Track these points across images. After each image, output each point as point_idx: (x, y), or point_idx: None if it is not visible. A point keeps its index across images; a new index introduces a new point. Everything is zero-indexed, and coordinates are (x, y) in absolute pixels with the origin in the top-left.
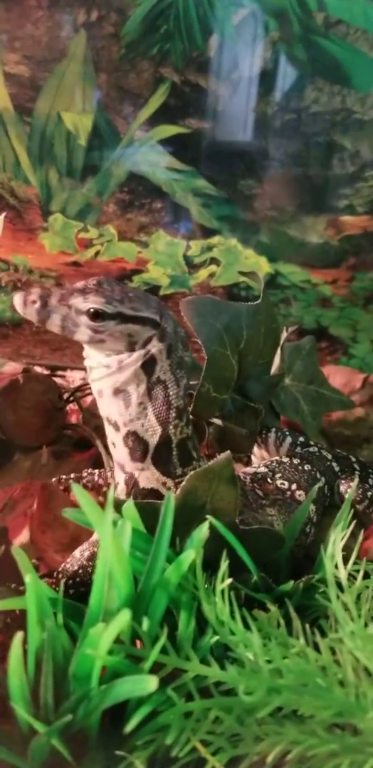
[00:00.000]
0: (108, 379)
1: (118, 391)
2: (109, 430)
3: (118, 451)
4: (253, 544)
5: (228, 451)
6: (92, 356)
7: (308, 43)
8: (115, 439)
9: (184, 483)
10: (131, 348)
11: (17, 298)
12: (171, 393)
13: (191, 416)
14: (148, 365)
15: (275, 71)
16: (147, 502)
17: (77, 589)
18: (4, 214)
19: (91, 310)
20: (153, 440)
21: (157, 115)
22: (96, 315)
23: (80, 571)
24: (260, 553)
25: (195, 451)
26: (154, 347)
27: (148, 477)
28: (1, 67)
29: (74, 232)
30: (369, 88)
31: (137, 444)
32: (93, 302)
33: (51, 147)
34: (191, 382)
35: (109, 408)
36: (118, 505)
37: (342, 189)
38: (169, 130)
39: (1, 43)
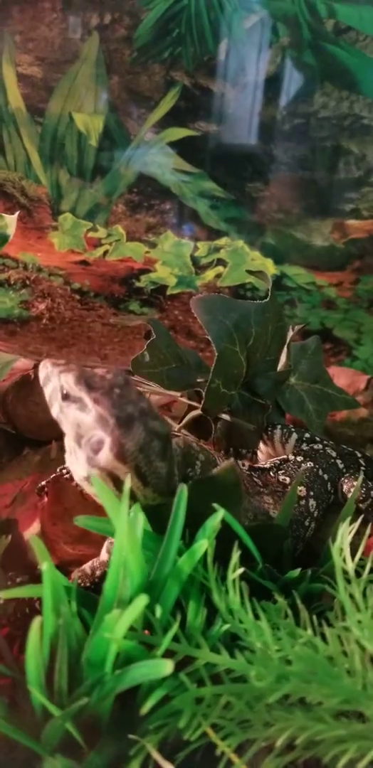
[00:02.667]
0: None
1: (105, 477)
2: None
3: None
4: (256, 539)
5: (231, 459)
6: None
7: (317, 49)
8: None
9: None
10: (78, 441)
11: (42, 363)
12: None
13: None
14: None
15: (285, 76)
16: (153, 505)
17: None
18: (17, 213)
19: (64, 389)
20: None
21: (168, 117)
22: (65, 395)
23: (92, 587)
24: (263, 548)
25: (191, 461)
26: (108, 463)
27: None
28: (15, 67)
29: (83, 232)
30: None
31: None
32: (65, 380)
33: (62, 147)
34: (199, 380)
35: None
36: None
37: (348, 193)
38: (178, 132)
39: (15, 44)
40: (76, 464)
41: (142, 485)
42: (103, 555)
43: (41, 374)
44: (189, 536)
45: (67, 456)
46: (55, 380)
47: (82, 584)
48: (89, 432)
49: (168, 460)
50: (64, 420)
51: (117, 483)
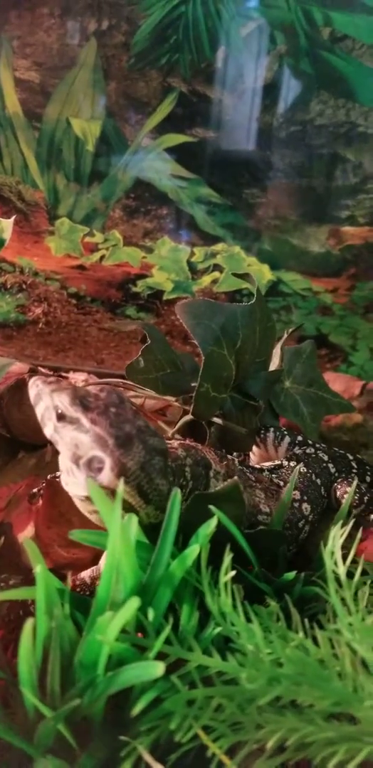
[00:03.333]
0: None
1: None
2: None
3: None
4: (252, 543)
5: (235, 478)
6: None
7: (314, 56)
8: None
9: (188, 503)
10: (76, 462)
11: (32, 380)
12: (148, 491)
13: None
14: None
15: (281, 84)
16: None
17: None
18: (13, 217)
19: (59, 409)
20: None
21: (165, 123)
22: (60, 416)
23: (90, 595)
24: (259, 552)
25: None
26: (110, 483)
27: None
28: (12, 72)
29: (80, 236)
30: None
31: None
32: (60, 401)
33: (59, 152)
34: (193, 384)
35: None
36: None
37: (344, 200)
38: (175, 138)
39: (13, 49)
40: (74, 485)
41: (144, 503)
42: (102, 565)
43: (31, 392)
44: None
45: (62, 476)
46: (47, 399)
47: (81, 592)
48: (88, 452)
49: (168, 477)
50: (59, 440)
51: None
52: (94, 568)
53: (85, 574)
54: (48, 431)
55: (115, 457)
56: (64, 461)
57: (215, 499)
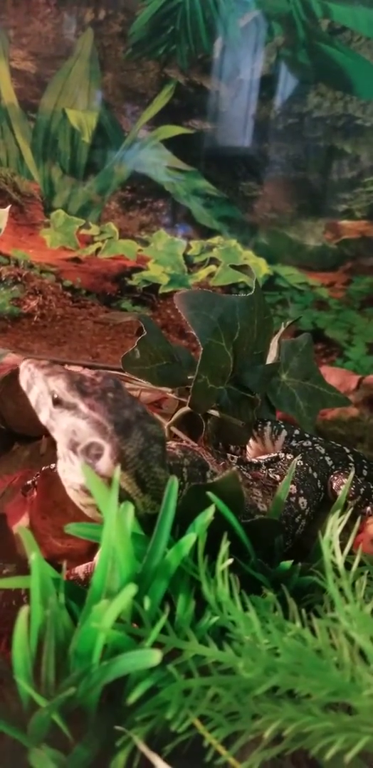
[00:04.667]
0: (76, 477)
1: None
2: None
3: None
4: (251, 534)
5: (235, 468)
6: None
7: (312, 48)
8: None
9: (184, 494)
10: (73, 449)
11: (23, 364)
12: (146, 480)
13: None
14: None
15: (279, 76)
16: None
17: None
18: (8, 207)
19: (55, 394)
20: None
21: (162, 115)
22: (57, 401)
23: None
24: (256, 542)
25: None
26: (108, 470)
27: None
28: (8, 62)
29: (76, 229)
30: (371, 94)
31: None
32: (56, 385)
33: (55, 143)
34: (189, 377)
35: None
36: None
37: (341, 194)
38: (172, 130)
39: (9, 39)
40: (71, 472)
41: (142, 492)
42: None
43: (23, 377)
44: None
45: (59, 464)
46: (41, 384)
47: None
48: (87, 439)
49: (166, 466)
50: (55, 426)
51: None
52: (88, 564)
53: (80, 570)
54: (43, 417)
55: (114, 444)
56: (60, 448)
57: (213, 490)
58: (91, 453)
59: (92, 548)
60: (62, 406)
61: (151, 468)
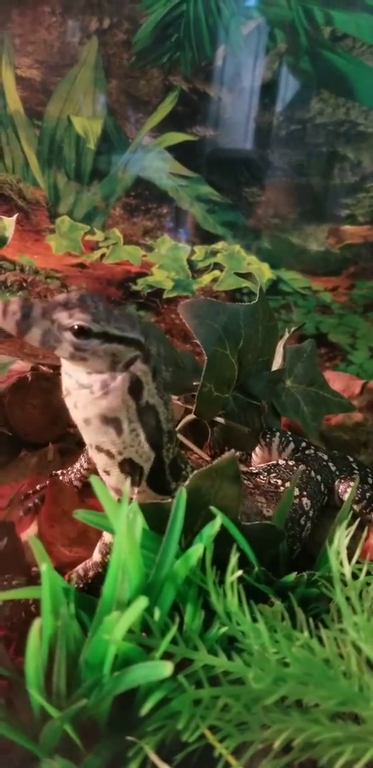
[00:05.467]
0: (94, 407)
1: (107, 420)
2: (100, 458)
3: (113, 477)
4: (254, 539)
5: (233, 450)
6: (72, 375)
7: (314, 55)
8: (109, 467)
9: (188, 482)
10: (113, 368)
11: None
12: (162, 417)
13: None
14: (135, 390)
15: (282, 82)
16: (151, 504)
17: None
18: (15, 216)
19: (76, 326)
20: (147, 465)
21: (166, 121)
22: (81, 332)
23: (85, 588)
24: (261, 548)
25: (183, 463)
26: (139, 370)
27: (145, 498)
28: (14, 70)
29: (81, 235)
30: None
31: (134, 470)
32: (79, 319)
33: (60, 150)
34: (195, 383)
35: (99, 437)
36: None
37: (344, 199)
38: (176, 137)
39: (14, 47)
40: (95, 376)
41: (153, 380)
42: (96, 556)
43: (8, 324)
44: (187, 527)
45: (71, 397)
46: (43, 323)
47: (76, 585)
48: (127, 355)
49: (168, 367)
50: (86, 355)
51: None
52: (87, 560)
53: (80, 567)
54: (64, 351)
55: (146, 350)
56: (77, 376)
57: (213, 474)
58: (129, 364)
59: None
60: (91, 336)
61: (162, 369)
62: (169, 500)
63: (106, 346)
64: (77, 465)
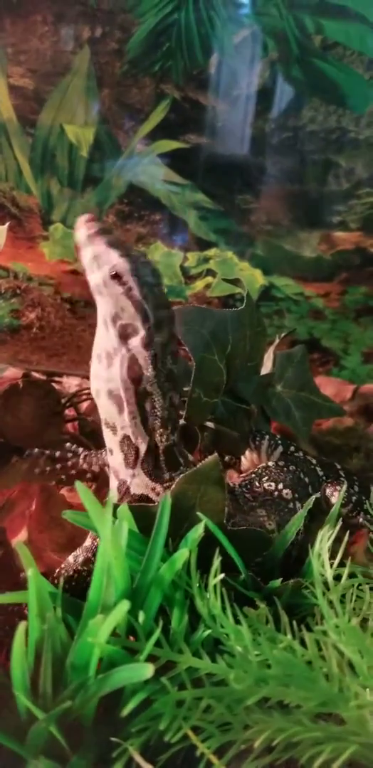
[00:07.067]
0: (100, 378)
1: (111, 395)
2: (107, 434)
3: (115, 457)
4: (241, 544)
5: (215, 454)
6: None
7: (305, 63)
8: (112, 445)
9: (173, 486)
10: (114, 321)
11: (81, 218)
12: (157, 405)
13: (180, 423)
14: (134, 373)
15: (273, 90)
16: (139, 505)
17: (73, 593)
18: (7, 224)
19: (114, 270)
20: (142, 447)
21: (158, 129)
22: (115, 275)
23: (75, 575)
24: (248, 553)
25: (182, 457)
26: (138, 352)
27: (139, 483)
28: (6, 79)
29: (74, 242)
30: (364, 108)
31: (130, 449)
32: (121, 265)
33: (53, 158)
34: (185, 389)
35: (107, 409)
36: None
37: (336, 205)
38: (168, 144)
39: (7, 56)
40: (103, 338)
41: (153, 369)
42: (88, 541)
43: (81, 233)
44: (174, 531)
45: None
46: (101, 249)
47: (66, 572)
48: (129, 320)
49: (177, 363)
50: (105, 293)
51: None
52: (77, 549)
53: (70, 556)
54: (94, 279)
55: (150, 333)
56: (101, 312)
57: (198, 478)
58: (127, 331)
59: None
60: (119, 283)
61: (167, 361)
62: (157, 504)
63: (122, 297)
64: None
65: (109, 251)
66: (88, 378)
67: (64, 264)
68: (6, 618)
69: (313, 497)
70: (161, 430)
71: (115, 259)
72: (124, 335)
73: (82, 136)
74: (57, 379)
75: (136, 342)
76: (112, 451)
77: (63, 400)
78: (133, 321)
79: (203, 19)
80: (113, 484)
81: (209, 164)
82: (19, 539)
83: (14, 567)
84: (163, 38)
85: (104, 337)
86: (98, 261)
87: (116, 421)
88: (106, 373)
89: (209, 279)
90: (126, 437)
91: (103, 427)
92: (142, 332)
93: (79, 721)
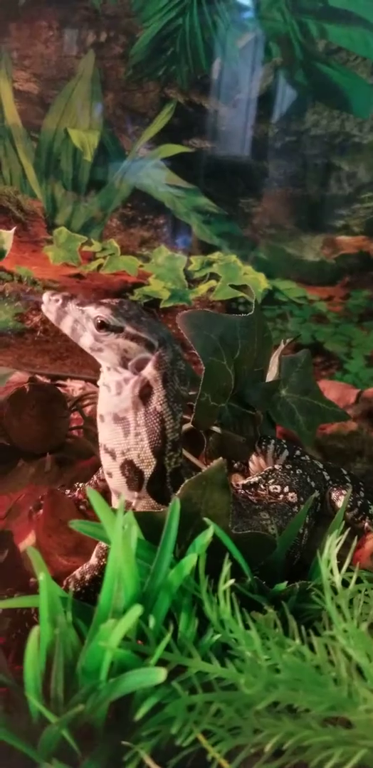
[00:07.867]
0: (108, 404)
1: (118, 419)
2: (105, 459)
3: (115, 480)
4: (245, 548)
5: (221, 458)
6: (102, 373)
7: (309, 68)
8: (111, 468)
9: (179, 491)
10: (124, 364)
11: (45, 296)
12: (167, 426)
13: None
14: (145, 394)
15: (277, 94)
16: (145, 513)
17: None
18: (14, 228)
19: (98, 319)
20: (148, 471)
21: (162, 134)
22: (101, 325)
23: (83, 591)
24: (252, 557)
25: (187, 476)
26: (150, 374)
27: (144, 505)
28: (11, 83)
29: (78, 245)
30: (367, 113)
31: (134, 474)
32: (101, 312)
33: (57, 162)
34: (191, 393)
35: (107, 434)
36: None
37: (339, 209)
38: (173, 148)
39: (12, 60)
40: (113, 386)
41: (163, 387)
42: (93, 560)
43: (51, 308)
44: (180, 536)
45: (102, 377)
46: (76, 313)
47: (73, 588)
48: (137, 355)
49: (185, 384)
50: (103, 347)
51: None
52: (84, 564)
53: (77, 571)
54: (86, 341)
55: (158, 355)
56: (106, 364)
57: (203, 482)
58: (140, 364)
59: None
60: (109, 330)
61: (175, 380)
62: (163, 510)
63: (119, 340)
64: (94, 477)
65: (84, 309)
66: (91, 381)
67: (68, 268)
68: (14, 622)
69: (312, 497)
70: (171, 453)
71: (93, 312)
72: (139, 369)
73: (87, 141)
74: (61, 382)
75: (149, 368)
76: (112, 474)
77: (68, 404)
78: (141, 354)
79: (207, 23)
80: (116, 505)
81: (212, 168)
82: (27, 543)
83: (21, 570)
84: (167, 43)
85: (113, 376)
86: (80, 323)
87: (118, 446)
88: (114, 399)
89: (213, 282)
90: (128, 462)
91: (102, 452)
92: (152, 358)
93: (91, 725)
